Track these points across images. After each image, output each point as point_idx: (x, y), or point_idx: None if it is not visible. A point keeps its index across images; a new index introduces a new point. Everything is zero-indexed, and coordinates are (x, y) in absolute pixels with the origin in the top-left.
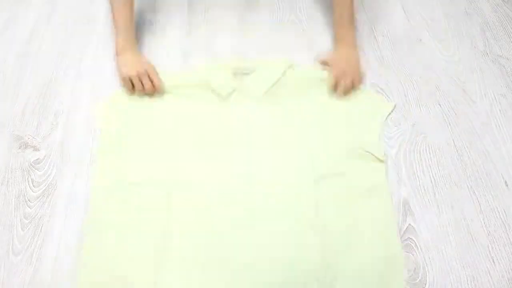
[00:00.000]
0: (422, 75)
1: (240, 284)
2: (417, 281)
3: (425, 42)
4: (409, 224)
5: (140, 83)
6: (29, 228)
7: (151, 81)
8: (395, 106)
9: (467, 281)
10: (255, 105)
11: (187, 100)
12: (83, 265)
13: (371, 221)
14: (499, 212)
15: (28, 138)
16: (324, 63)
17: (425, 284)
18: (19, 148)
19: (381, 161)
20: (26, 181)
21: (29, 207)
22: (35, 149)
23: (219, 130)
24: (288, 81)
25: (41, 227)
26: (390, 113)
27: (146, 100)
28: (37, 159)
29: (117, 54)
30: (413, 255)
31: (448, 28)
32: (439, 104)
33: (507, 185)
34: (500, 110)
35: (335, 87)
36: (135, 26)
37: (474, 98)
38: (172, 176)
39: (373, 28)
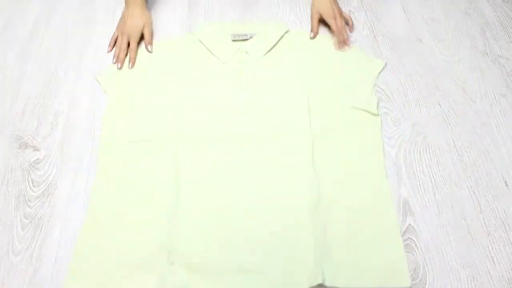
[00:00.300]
0: (422, 75)
1: (241, 231)
2: (417, 281)
3: (425, 42)
4: (409, 224)
5: (120, 44)
6: (29, 228)
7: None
8: (385, 64)
9: (467, 281)
10: (255, 65)
11: (189, 62)
12: (85, 229)
13: (364, 173)
14: (499, 212)
15: (28, 138)
16: (316, 21)
17: (425, 284)
18: (19, 148)
19: (375, 115)
20: (26, 181)
21: (29, 207)
22: (35, 149)
23: (221, 88)
24: (286, 44)
25: (41, 227)
26: (382, 70)
27: (149, 62)
28: (37, 159)
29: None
30: (413, 255)
31: (448, 28)
32: (439, 104)
33: (507, 185)
34: (500, 110)
35: (338, 36)
36: None
37: (474, 98)
38: (178, 132)
39: (373, 28)
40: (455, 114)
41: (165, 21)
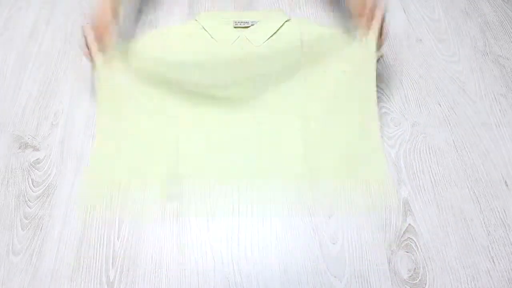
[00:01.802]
0: (422, 75)
1: (237, 143)
2: (417, 281)
3: (425, 42)
4: (409, 224)
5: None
6: (29, 228)
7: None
8: (382, 54)
9: (467, 281)
10: (255, 50)
11: (191, 48)
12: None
13: (355, 94)
14: (499, 212)
15: (28, 138)
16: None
17: (425, 284)
18: (19, 148)
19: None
20: (26, 181)
21: (29, 207)
22: (35, 149)
23: (221, 70)
24: (286, 32)
25: (41, 227)
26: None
27: (152, 47)
28: (37, 159)
29: None
30: (413, 255)
31: (448, 28)
32: (439, 104)
33: (507, 185)
34: (500, 110)
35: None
36: (135, 26)
37: (474, 98)
38: (179, 111)
39: None
40: (455, 114)
41: (165, 20)
